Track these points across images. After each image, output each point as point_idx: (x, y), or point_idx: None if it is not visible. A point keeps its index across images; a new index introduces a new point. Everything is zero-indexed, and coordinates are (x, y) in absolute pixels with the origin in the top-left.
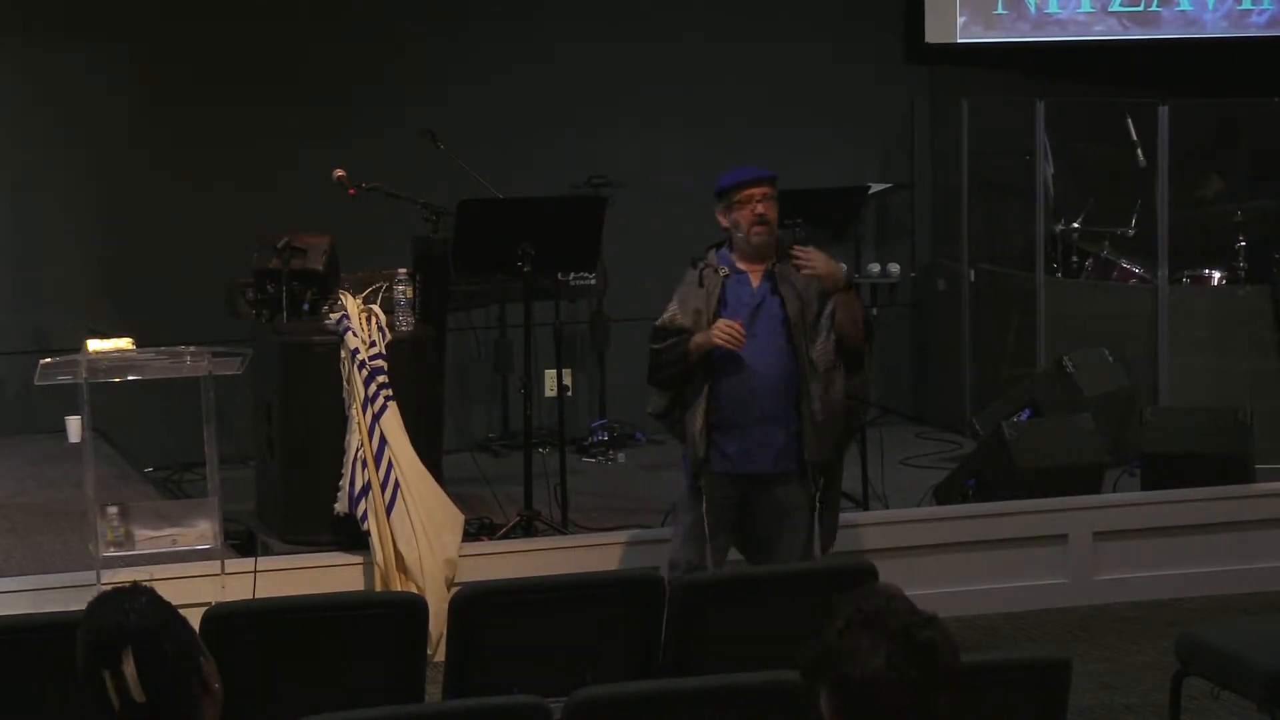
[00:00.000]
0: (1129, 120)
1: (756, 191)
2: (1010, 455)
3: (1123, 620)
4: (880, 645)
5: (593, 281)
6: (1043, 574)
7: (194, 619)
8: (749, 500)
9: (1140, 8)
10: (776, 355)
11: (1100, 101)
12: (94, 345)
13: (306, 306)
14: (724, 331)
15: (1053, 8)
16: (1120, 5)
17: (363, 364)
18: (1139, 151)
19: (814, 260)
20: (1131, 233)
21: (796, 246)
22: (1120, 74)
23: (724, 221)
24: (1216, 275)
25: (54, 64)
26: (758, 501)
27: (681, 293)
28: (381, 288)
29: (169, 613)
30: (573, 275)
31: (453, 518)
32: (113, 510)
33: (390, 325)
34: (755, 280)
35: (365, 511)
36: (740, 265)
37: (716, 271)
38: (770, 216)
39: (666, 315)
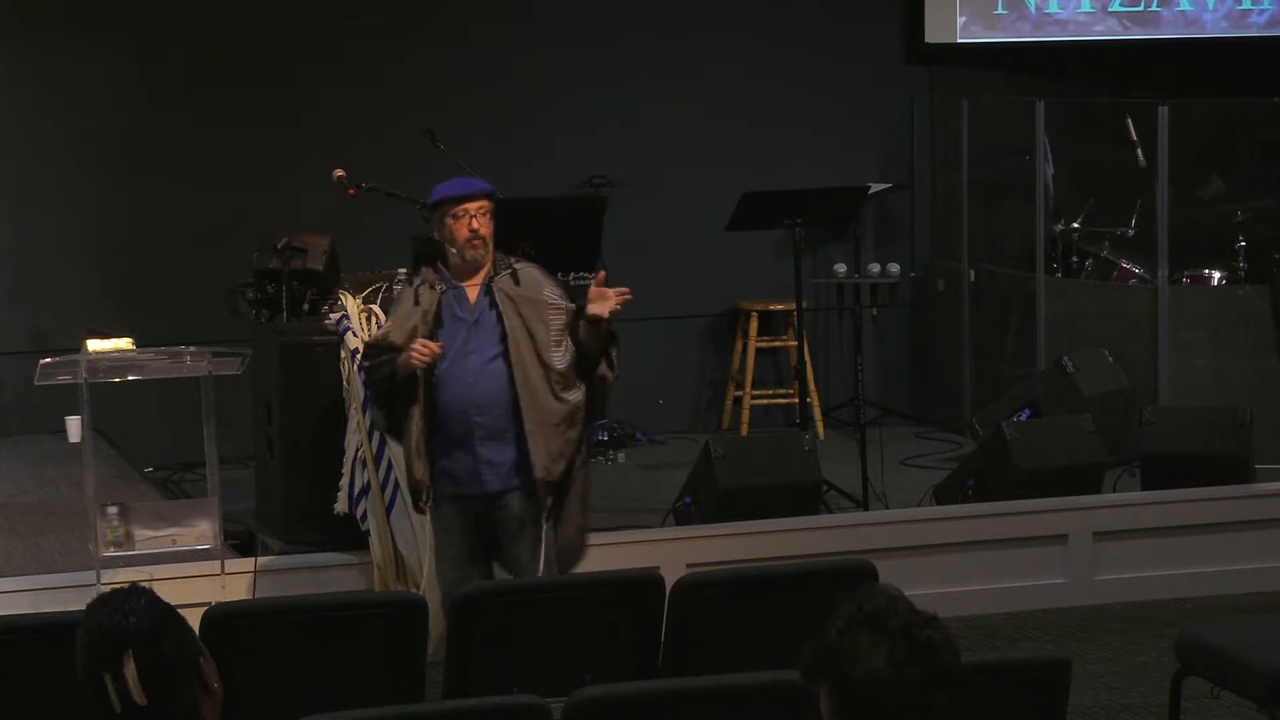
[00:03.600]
0: (1129, 120)
1: (471, 206)
2: (1010, 455)
3: (1123, 620)
4: (881, 645)
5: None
6: (1042, 574)
7: (194, 619)
8: (488, 519)
9: (1140, 8)
10: (495, 371)
11: (1100, 101)
12: (94, 345)
13: (306, 306)
14: (418, 351)
15: (1053, 8)
16: (1120, 5)
17: (362, 364)
18: (1139, 151)
19: (608, 304)
20: (1131, 233)
21: (596, 289)
22: (1120, 74)
23: (437, 234)
24: (1216, 275)
25: (54, 64)
26: (493, 520)
27: (396, 309)
28: (381, 288)
29: (169, 614)
30: (573, 275)
31: None
32: (113, 510)
33: None
34: (473, 295)
35: (365, 512)
36: (457, 279)
37: (433, 288)
38: (484, 232)
39: (380, 332)
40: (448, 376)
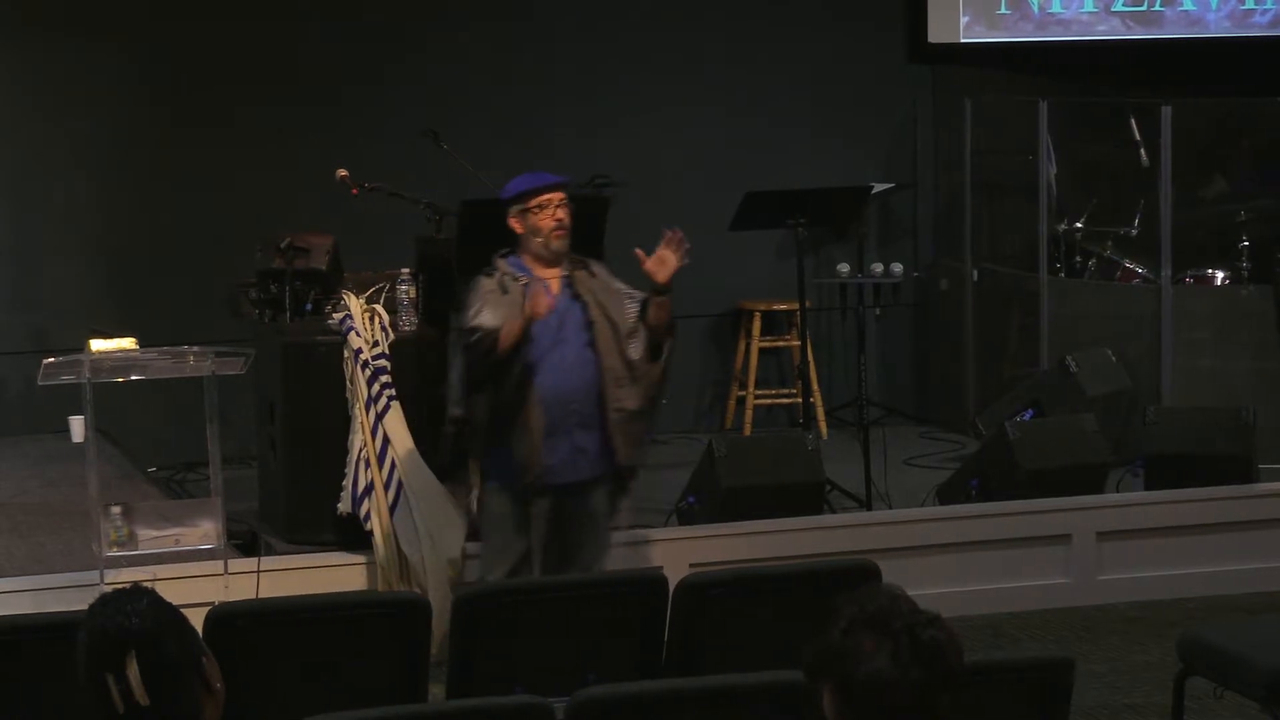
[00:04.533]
0: (1132, 120)
1: (554, 197)
2: (1013, 455)
3: (1126, 620)
4: (884, 645)
5: None
6: (1045, 574)
7: (197, 619)
8: (564, 510)
9: (1143, 7)
10: (585, 361)
11: (1103, 101)
12: (97, 345)
13: (309, 306)
14: (536, 300)
15: (1056, 8)
16: (1123, 5)
17: (366, 364)
18: (1142, 151)
19: (671, 262)
20: (1134, 232)
21: (669, 233)
22: (1123, 74)
23: (518, 227)
24: (1219, 275)
25: (55, 64)
26: (571, 510)
27: (482, 299)
28: (384, 288)
29: (171, 614)
30: None
31: (455, 518)
32: (116, 510)
33: (393, 325)
34: (555, 287)
35: (368, 511)
36: (537, 272)
37: (516, 279)
38: (567, 221)
39: (471, 321)
40: (544, 365)
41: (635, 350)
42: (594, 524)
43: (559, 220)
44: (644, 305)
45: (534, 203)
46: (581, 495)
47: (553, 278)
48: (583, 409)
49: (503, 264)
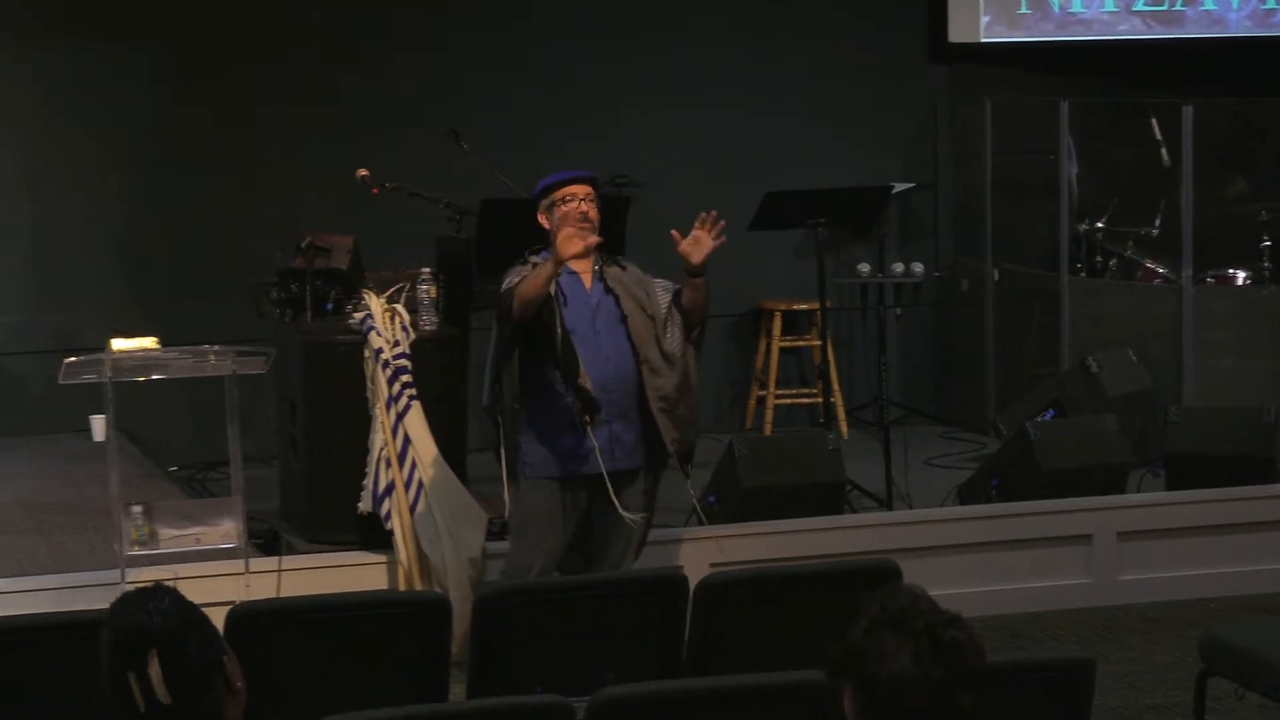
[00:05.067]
0: (1153, 120)
1: (580, 190)
2: (1034, 455)
3: (1146, 620)
4: (905, 645)
5: None
6: (1066, 574)
7: (218, 618)
8: (598, 501)
9: (1164, 7)
10: (621, 353)
11: (1124, 101)
12: (118, 344)
13: (330, 306)
14: (567, 242)
15: (1076, 7)
16: (1144, 4)
17: (386, 363)
18: (1163, 151)
19: (706, 243)
20: (1155, 232)
21: (702, 217)
22: (1144, 73)
23: (546, 223)
24: (1241, 275)
25: (75, 65)
26: (600, 503)
27: (515, 276)
28: (405, 287)
29: (193, 613)
30: None
31: (476, 517)
32: (137, 509)
33: (414, 324)
34: (587, 281)
35: (389, 511)
36: (569, 266)
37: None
38: (593, 216)
39: (506, 285)
40: (583, 356)
41: (672, 341)
42: (622, 519)
43: (584, 213)
44: (677, 293)
45: (560, 195)
46: (616, 485)
47: (584, 272)
48: (619, 399)
49: (535, 259)
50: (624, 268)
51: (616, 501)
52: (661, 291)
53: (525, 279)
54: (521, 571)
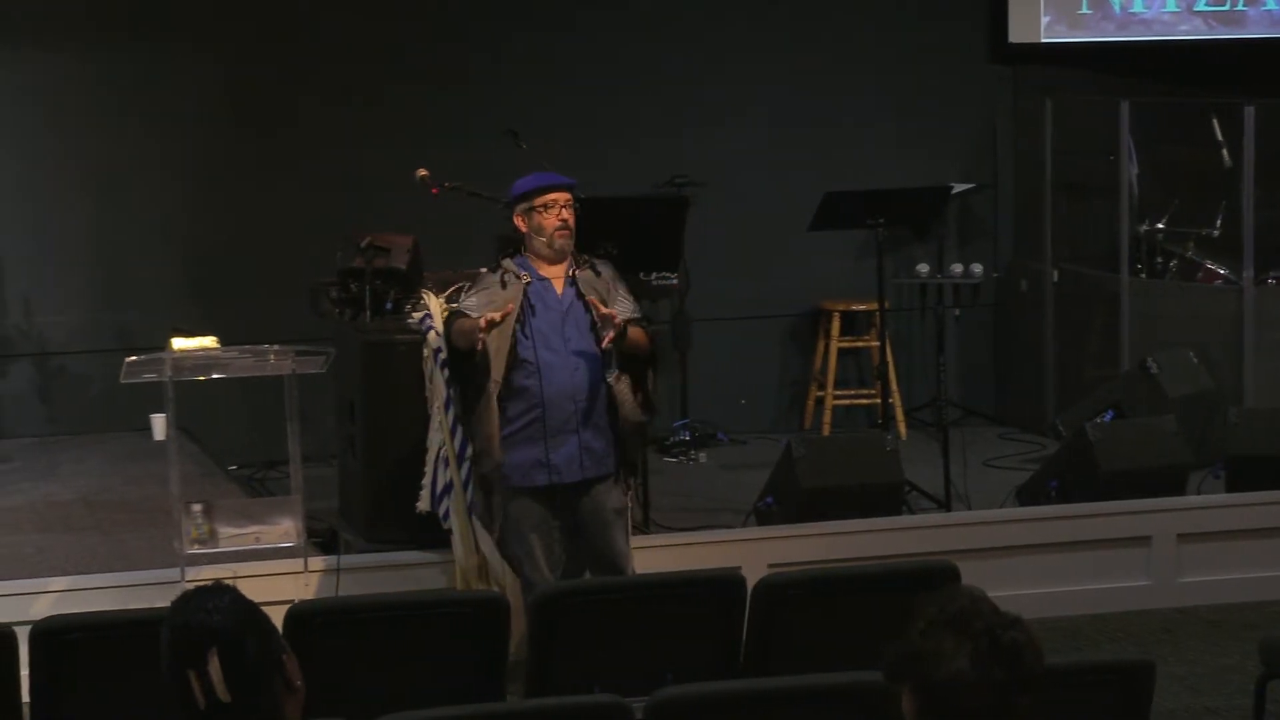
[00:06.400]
0: (1214, 120)
1: (559, 197)
2: (1093, 457)
3: (1206, 623)
4: (965, 647)
5: (675, 281)
6: (1126, 576)
7: (277, 616)
8: (574, 509)
9: (1226, 7)
10: (590, 360)
11: (1185, 101)
12: (179, 343)
13: (389, 306)
14: (490, 319)
15: (1138, 7)
16: (1206, 5)
17: (445, 363)
18: (1224, 152)
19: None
20: (1216, 233)
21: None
22: (1205, 74)
23: (523, 226)
24: None
25: (140, 66)
26: (581, 509)
27: (481, 295)
28: (464, 287)
29: (252, 611)
30: (655, 275)
31: None
32: (197, 508)
33: None
34: (559, 286)
35: (447, 510)
36: (542, 272)
37: (519, 278)
38: (571, 222)
39: (461, 303)
40: (550, 365)
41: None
42: (612, 522)
43: (563, 220)
44: (629, 321)
45: (539, 202)
46: (587, 496)
47: (557, 277)
48: (589, 407)
49: (508, 263)
50: (598, 272)
51: (592, 505)
52: (623, 301)
53: (459, 326)
54: (535, 580)
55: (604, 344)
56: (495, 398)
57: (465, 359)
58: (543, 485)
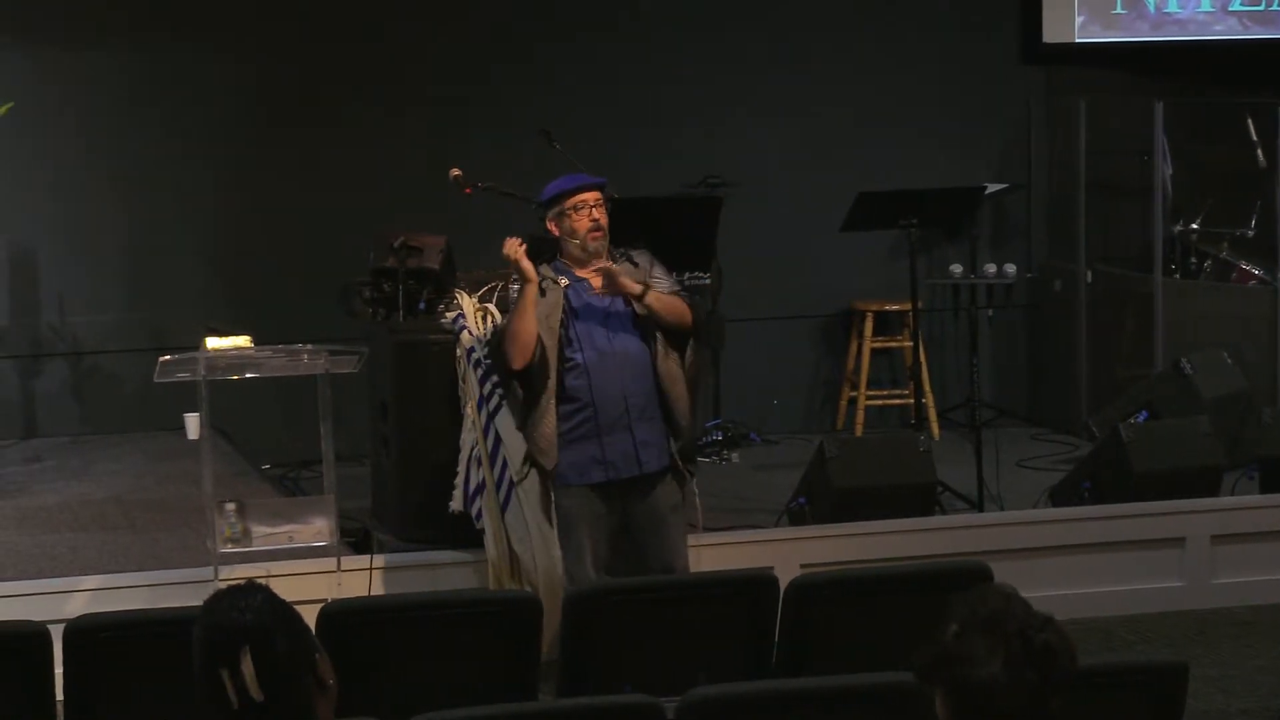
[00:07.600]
0: (1249, 121)
1: (589, 196)
2: (1127, 457)
3: (1240, 624)
4: (998, 648)
5: (708, 281)
6: (1159, 577)
7: (309, 616)
8: (628, 505)
9: (1261, 7)
10: (640, 354)
11: (1220, 102)
12: (212, 343)
13: (422, 305)
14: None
15: (1172, 7)
16: (1241, 4)
17: (478, 363)
18: (1259, 152)
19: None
20: (1251, 234)
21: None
22: (1240, 74)
23: (555, 229)
24: None
25: (171, 66)
26: (635, 506)
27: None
28: (497, 287)
29: (285, 610)
30: (688, 275)
31: None
32: (230, 507)
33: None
34: (597, 284)
35: (480, 510)
36: (579, 273)
37: (556, 283)
38: (604, 221)
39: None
40: (597, 365)
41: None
42: (668, 517)
43: (595, 220)
44: (671, 294)
45: (570, 204)
46: (645, 491)
47: (594, 277)
48: (641, 402)
49: (545, 269)
50: (635, 263)
51: (647, 503)
52: (659, 277)
53: (510, 316)
54: (577, 578)
55: (599, 290)
56: (554, 399)
57: (521, 373)
58: (599, 482)
